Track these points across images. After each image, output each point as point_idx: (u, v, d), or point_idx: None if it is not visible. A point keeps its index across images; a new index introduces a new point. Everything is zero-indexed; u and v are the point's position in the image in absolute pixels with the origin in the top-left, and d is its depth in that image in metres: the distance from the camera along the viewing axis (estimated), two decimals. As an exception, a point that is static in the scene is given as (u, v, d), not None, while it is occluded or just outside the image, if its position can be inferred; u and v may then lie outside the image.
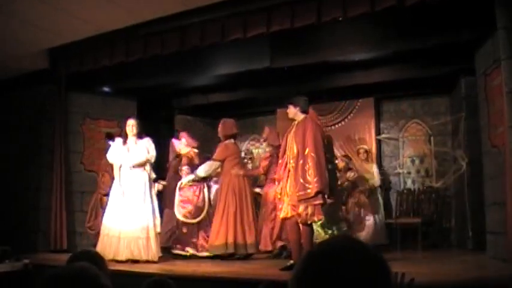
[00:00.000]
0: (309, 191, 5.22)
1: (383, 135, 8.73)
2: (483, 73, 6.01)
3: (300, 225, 5.38)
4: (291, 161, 5.44)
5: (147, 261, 6.12)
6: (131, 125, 6.56)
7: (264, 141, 7.44)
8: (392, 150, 8.80)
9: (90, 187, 8.00)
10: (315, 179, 5.18)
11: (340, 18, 5.68)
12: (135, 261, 6.10)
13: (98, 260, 2.22)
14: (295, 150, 5.41)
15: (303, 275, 1.07)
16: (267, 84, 8.43)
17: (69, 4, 6.17)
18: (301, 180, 5.27)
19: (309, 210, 5.27)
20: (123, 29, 6.87)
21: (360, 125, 9.02)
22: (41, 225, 7.64)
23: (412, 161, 8.71)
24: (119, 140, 6.65)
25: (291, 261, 5.39)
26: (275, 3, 5.95)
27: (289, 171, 5.46)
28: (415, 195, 8.24)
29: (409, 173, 8.66)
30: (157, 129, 8.19)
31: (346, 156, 8.19)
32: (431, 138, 8.60)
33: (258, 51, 6.85)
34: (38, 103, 8.14)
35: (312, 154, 5.27)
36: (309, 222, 5.32)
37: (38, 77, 8.04)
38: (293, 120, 5.68)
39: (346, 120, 9.18)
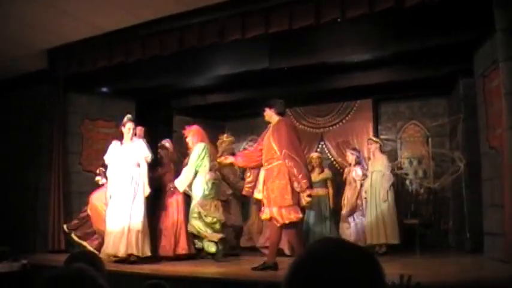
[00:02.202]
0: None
1: (381, 137, 8.73)
2: (481, 74, 6.02)
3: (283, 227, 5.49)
4: (266, 165, 5.58)
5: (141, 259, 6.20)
6: (130, 128, 6.61)
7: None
8: (390, 152, 8.80)
9: (89, 188, 7.99)
10: (300, 176, 5.29)
11: (339, 20, 5.68)
12: (132, 261, 6.14)
13: (95, 260, 2.22)
14: (272, 152, 5.51)
15: (295, 278, 1.07)
16: (265, 85, 8.42)
17: (68, 5, 6.17)
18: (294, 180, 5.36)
19: (283, 210, 5.35)
20: (122, 30, 6.87)
21: (357, 126, 9.03)
22: (39, 225, 7.63)
23: (410, 162, 8.71)
24: (116, 142, 6.65)
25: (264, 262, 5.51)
26: (274, 5, 5.95)
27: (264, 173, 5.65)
28: (413, 197, 8.24)
29: (406, 174, 8.66)
30: (156, 130, 8.18)
31: (354, 149, 8.08)
32: (430, 139, 8.61)
33: (257, 52, 6.86)
34: (37, 103, 8.14)
35: (291, 154, 5.37)
36: (286, 222, 5.38)
37: (37, 78, 8.04)
38: (269, 123, 5.80)
39: (344, 121, 9.19)
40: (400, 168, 8.65)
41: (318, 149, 9.09)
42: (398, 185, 8.56)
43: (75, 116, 8.23)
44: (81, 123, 8.27)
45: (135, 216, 6.32)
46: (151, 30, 6.73)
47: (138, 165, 6.54)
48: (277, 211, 5.36)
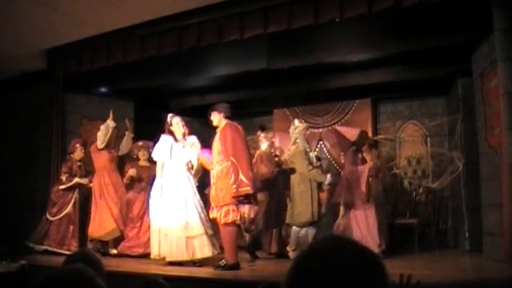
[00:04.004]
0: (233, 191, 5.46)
1: (380, 136, 8.73)
2: (480, 74, 6.02)
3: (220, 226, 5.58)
4: (216, 165, 5.64)
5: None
6: (178, 122, 6.29)
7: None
8: (389, 151, 8.80)
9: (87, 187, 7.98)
10: (233, 186, 5.38)
11: (337, 19, 5.69)
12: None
13: (94, 261, 2.21)
14: (221, 155, 5.58)
15: (296, 274, 1.07)
16: (264, 85, 8.43)
17: (67, 5, 6.17)
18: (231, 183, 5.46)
19: (223, 210, 5.45)
20: (121, 30, 6.87)
21: (356, 126, 8.99)
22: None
23: (409, 162, 8.71)
24: (168, 137, 6.27)
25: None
26: (272, 4, 5.95)
27: (213, 175, 5.70)
28: (412, 196, 8.23)
29: (405, 173, 8.66)
30: (155, 130, 8.16)
31: None
32: (428, 139, 8.61)
33: (255, 52, 6.86)
34: (35, 104, 8.14)
35: (232, 159, 5.44)
36: (222, 222, 5.48)
37: (36, 78, 8.04)
38: (217, 127, 5.80)
39: (342, 121, 9.19)
40: (399, 167, 8.65)
41: (317, 149, 9.08)
42: (397, 185, 8.57)
43: (74, 116, 8.22)
44: (79, 123, 8.26)
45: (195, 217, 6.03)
46: (149, 30, 6.72)
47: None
48: (225, 210, 5.46)
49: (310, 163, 6.84)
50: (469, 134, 6.84)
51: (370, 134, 8.63)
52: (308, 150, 7.09)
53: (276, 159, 7.19)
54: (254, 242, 6.96)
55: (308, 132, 7.25)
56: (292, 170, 6.87)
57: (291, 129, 7.16)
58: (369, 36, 6.45)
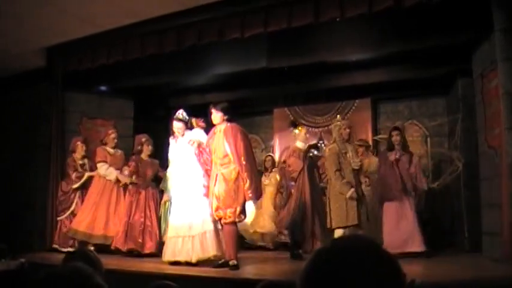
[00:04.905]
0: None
1: (380, 136, 8.71)
2: (480, 74, 6.03)
3: (224, 225, 5.58)
4: (219, 167, 5.62)
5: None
6: (177, 128, 6.20)
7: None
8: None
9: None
10: (249, 190, 5.46)
11: (338, 19, 5.69)
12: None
13: (93, 259, 2.22)
14: (228, 157, 5.58)
15: (312, 273, 1.07)
16: (264, 84, 8.43)
17: (67, 3, 6.16)
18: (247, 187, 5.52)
19: (238, 209, 5.48)
20: (121, 28, 6.87)
21: (356, 125, 8.99)
22: (37, 224, 7.61)
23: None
24: (172, 140, 6.33)
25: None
26: (272, 3, 5.96)
27: (216, 175, 5.65)
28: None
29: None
30: (154, 129, 8.17)
31: (362, 139, 7.93)
32: (428, 139, 8.60)
33: (255, 51, 6.85)
34: (35, 103, 8.12)
35: (244, 162, 5.49)
36: (237, 220, 5.53)
37: (35, 76, 8.03)
38: (215, 125, 5.80)
39: (342, 120, 9.18)
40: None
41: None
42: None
43: (74, 114, 8.20)
44: (79, 122, 8.25)
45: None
46: (149, 28, 6.72)
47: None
48: (239, 210, 5.50)
49: (339, 168, 6.43)
50: (469, 134, 6.84)
51: (369, 134, 8.67)
52: (343, 151, 6.62)
53: (311, 154, 7.13)
54: (295, 241, 6.71)
55: (349, 130, 6.75)
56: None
57: (333, 127, 6.86)
58: (369, 35, 6.45)
